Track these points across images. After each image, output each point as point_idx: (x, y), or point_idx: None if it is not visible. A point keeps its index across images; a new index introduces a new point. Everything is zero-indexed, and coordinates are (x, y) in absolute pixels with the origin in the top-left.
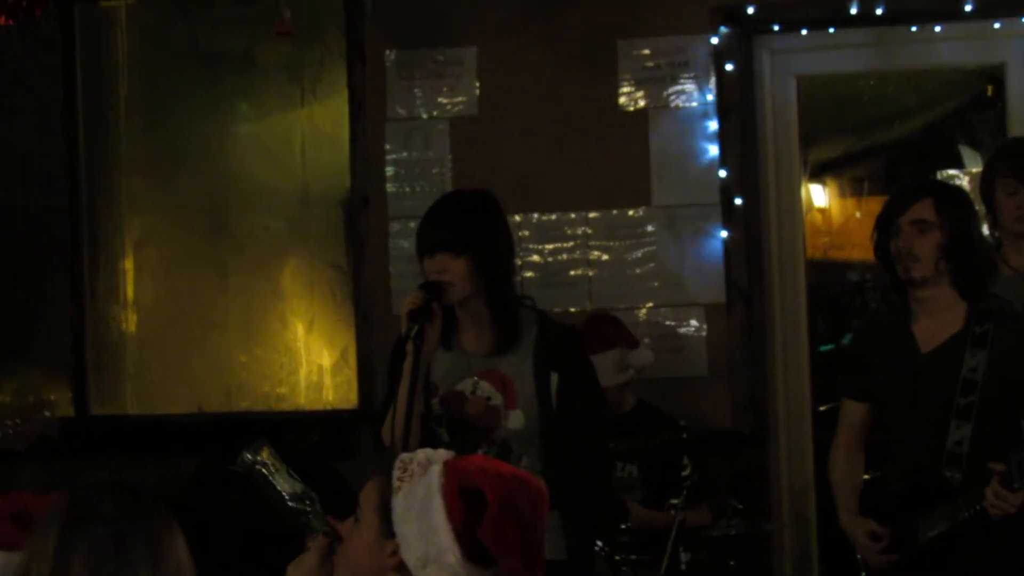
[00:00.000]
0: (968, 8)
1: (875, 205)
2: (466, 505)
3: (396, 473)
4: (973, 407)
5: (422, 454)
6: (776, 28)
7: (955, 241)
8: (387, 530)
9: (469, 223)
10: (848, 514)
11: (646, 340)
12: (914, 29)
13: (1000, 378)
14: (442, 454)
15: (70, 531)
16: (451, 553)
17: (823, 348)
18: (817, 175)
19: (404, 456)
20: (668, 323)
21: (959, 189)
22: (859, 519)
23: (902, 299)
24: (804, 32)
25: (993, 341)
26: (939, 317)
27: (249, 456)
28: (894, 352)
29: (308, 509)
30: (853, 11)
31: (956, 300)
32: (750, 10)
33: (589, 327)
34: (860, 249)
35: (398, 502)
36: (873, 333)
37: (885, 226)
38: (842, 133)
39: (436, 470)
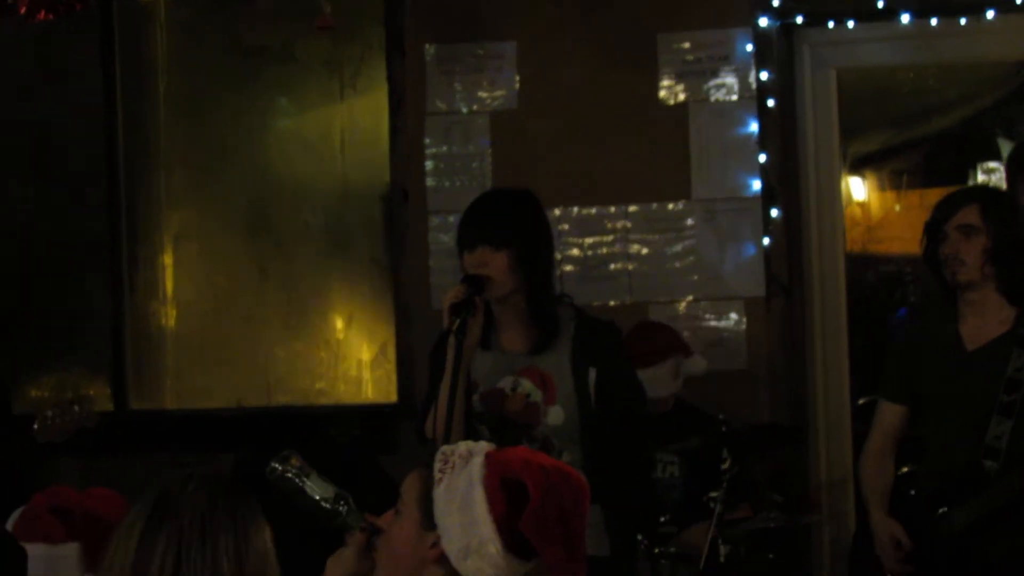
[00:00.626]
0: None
1: (914, 199)
2: (508, 497)
3: (437, 465)
4: (1016, 404)
5: (463, 446)
6: (816, 21)
7: (1001, 245)
8: (428, 522)
9: (510, 218)
10: (879, 513)
11: (685, 333)
12: (956, 22)
13: None
14: (483, 446)
15: (155, 522)
16: (492, 544)
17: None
18: (856, 168)
19: (445, 448)
20: (707, 317)
21: (1006, 194)
22: (889, 521)
23: (951, 302)
24: (844, 25)
25: None
26: (987, 318)
27: (278, 467)
28: (938, 349)
29: (343, 509)
30: (893, 3)
31: (1004, 303)
32: (790, 2)
33: (645, 337)
34: (899, 242)
35: (439, 494)
36: (917, 333)
37: (933, 231)
38: (881, 126)
39: (477, 462)
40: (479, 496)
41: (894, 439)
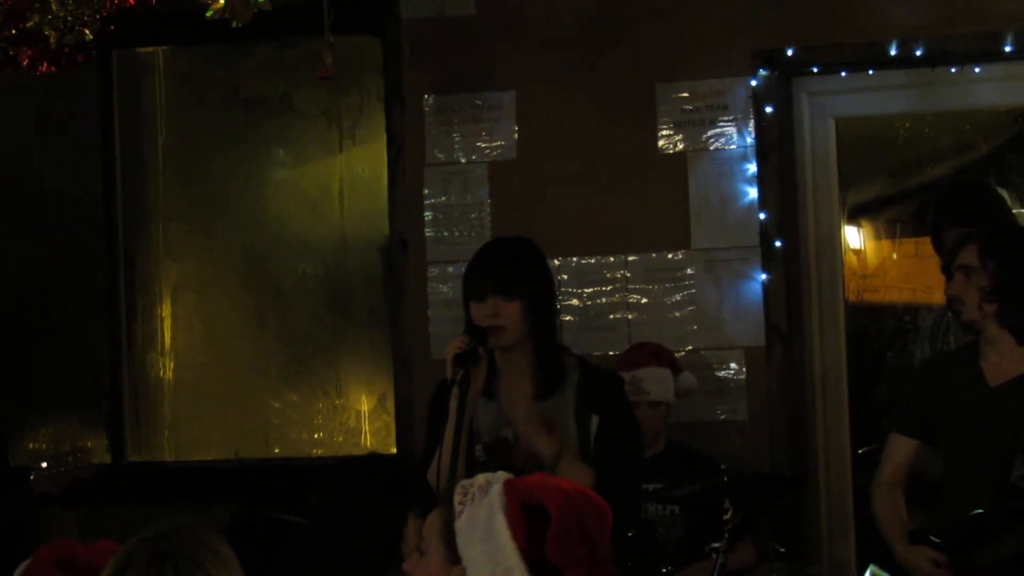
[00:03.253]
0: (1007, 49)
1: (909, 247)
2: (529, 521)
3: (457, 498)
4: None
5: (481, 478)
6: (815, 70)
7: (1000, 285)
8: (452, 556)
9: (520, 267)
10: (903, 547)
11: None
12: (953, 71)
13: None
14: (501, 475)
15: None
16: (518, 571)
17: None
18: (853, 217)
19: (463, 482)
20: (707, 367)
21: (1010, 233)
22: (917, 548)
23: (973, 339)
24: (843, 74)
25: None
26: (1009, 355)
27: None
28: (959, 386)
29: None
30: (892, 53)
31: (1014, 342)
32: (789, 52)
33: (635, 348)
34: (895, 291)
35: (461, 526)
36: (937, 369)
37: (945, 273)
38: (877, 175)
39: (496, 490)
40: (501, 523)
41: (905, 473)
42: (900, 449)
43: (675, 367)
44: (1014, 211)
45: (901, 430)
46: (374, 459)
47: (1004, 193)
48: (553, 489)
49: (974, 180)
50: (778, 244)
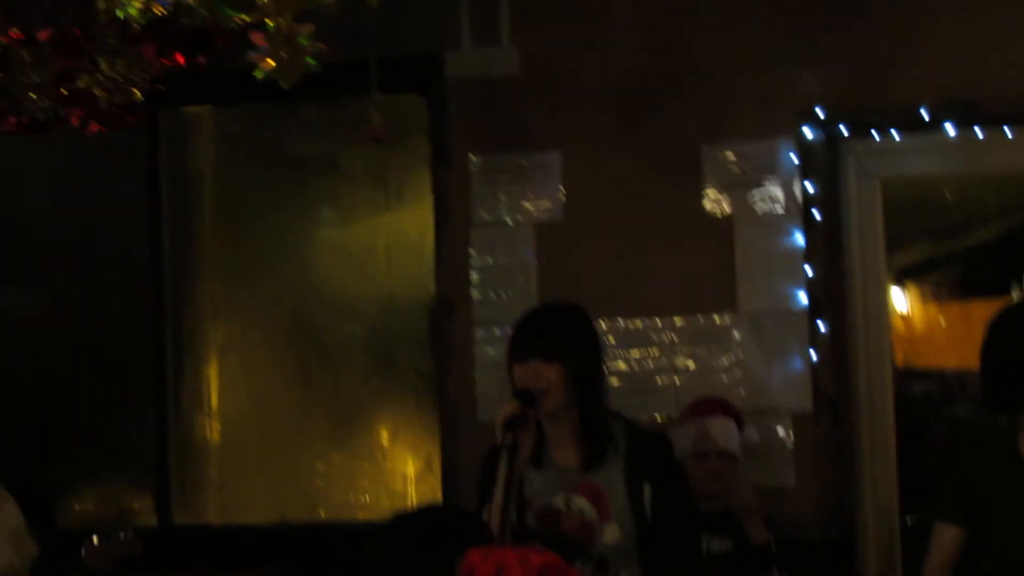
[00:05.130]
0: None
1: (956, 311)
2: None
3: None
4: None
5: None
6: (861, 131)
7: None
8: None
9: (562, 331)
10: None
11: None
12: (1000, 132)
13: None
14: None
15: None
16: None
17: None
18: (899, 280)
19: None
20: (755, 431)
21: None
22: None
23: (1008, 418)
24: (889, 135)
25: None
26: None
27: None
28: (998, 471)
29: None
30: (937, 114)
31: None
32: (834, 113)
33: (703, 399)
34: (943, 356)
35: None
36: (974, 453)
37: None
38: (923, 237)
39: None
40: None
41: (952, 560)
42: (945, 537)
43: (740, 421)
44: None
45: (943, 517)
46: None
47: None
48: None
49: None
50: (825, 307)
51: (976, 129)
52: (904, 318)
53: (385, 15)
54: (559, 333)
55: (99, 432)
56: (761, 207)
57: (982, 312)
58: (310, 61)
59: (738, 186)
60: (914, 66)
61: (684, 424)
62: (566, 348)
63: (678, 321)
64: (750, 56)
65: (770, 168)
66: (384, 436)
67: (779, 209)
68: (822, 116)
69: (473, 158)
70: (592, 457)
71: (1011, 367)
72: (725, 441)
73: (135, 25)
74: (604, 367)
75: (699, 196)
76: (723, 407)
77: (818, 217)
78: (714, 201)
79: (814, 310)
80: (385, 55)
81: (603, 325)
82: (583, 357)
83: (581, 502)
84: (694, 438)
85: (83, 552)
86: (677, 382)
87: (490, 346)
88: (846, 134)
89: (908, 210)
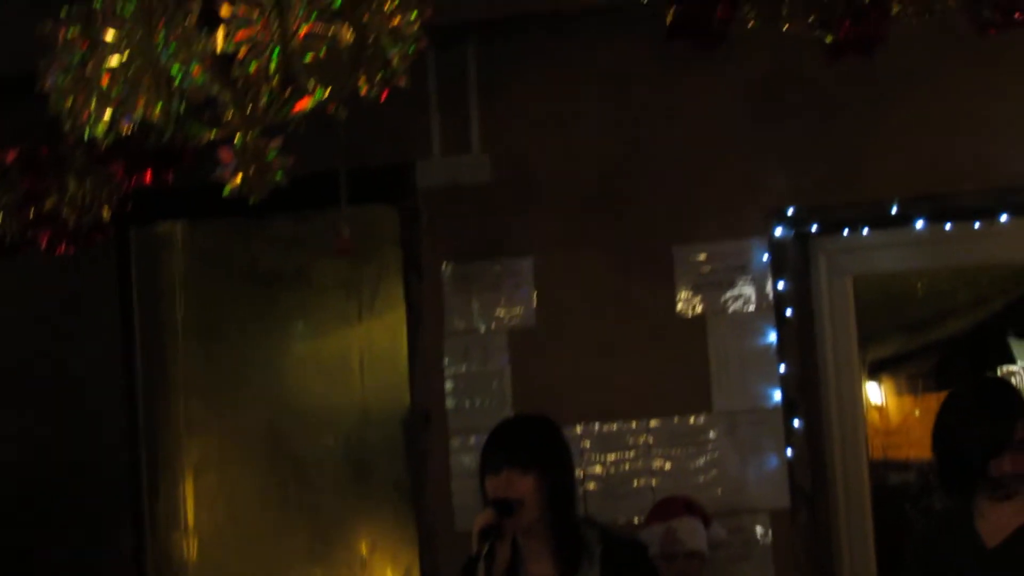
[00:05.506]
0: (1017, 204)
1: (931, 403)
2: None
3: None
4: None
5: None
6: (831, 229)
7: None
8: None
9: (535, 441)
10: None
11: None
12: (968, 226)
13: None
14: None
15: None
16: None
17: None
18: (872, 374)
19: None
20: (733, 530)
21: None
22: None
23: (962, 501)
24: (859, 232)
25: None
26: (1003, 509)
27: None
28: (958, 551)
29: None
30: (905, 210)
31: None
32: (805, 212)
33: (667, 500)
34: (919, 448)
35: None
36: (934, 535)
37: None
38: (896, 331)
39: None
40: None
41: None
42: None
43: (706, 519)
44: None
45: None
46: None
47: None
48: None
49: None
50: (799, 404)
51: (945, 224)
52: (880, 410)
53: (354, 126)
54: (532, 443)
55: (75, 551)
56: (733, 306)
57: None
58: (278, 176)
59: (710, 286)
60: (882, 162)
61: (651, 526)
62: (540, 458)
63: (653, 423)
64: (718, 157)
65: (741, 267)
66: (363, 549)
67: (751, 308)
68: (792, 214)
69: (445, 266)
70: (567, 568)
71: (959, 450)
72: (693, 541)
73: (101, 145)
74: (574, 476)
75: (671, 297)
76: (688, 507)
77: (790, 315)
78: (686, 302)
79: (788, 407)
80: (355, 166)
81: (578, 429)
82: (556, 467)
83: None
84: (662, 540)
85: None
86: (654, 484)
87: (466, 455)
88: (816, 232)
89: (880, 304)
